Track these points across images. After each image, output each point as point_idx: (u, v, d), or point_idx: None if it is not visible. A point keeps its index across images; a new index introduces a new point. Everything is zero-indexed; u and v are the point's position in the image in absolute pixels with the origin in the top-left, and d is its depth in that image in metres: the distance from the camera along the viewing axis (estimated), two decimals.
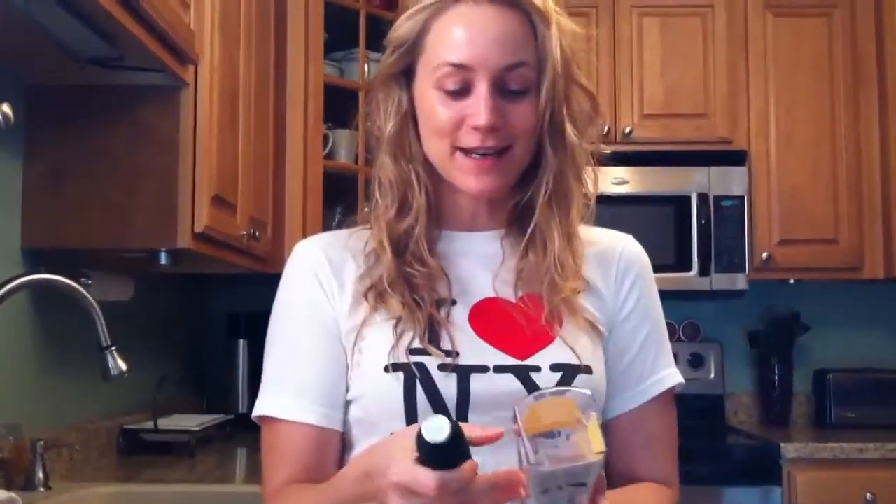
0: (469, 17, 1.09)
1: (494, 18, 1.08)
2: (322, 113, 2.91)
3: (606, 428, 1.14)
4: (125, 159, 1.96)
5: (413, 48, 1.12)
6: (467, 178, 1.10)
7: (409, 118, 1.15)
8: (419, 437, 0.85)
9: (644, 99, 3.28)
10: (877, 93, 3.26)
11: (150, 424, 2.53)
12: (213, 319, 3.31)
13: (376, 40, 3.03)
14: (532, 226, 1.14)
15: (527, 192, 1.15)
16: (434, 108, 1.10)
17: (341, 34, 3.01)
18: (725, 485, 2.84)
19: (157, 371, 2.70)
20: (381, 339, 1.09)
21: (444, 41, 1.09)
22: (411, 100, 1.14)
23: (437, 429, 0.84)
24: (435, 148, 1.12)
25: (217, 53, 2.09)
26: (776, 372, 3.41)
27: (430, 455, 0.85)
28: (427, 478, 0.84)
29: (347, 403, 1.13)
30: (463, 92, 1.09)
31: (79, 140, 1.96)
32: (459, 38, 1.08)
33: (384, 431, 1.02)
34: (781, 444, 2.86)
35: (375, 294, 1.12)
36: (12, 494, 1.51)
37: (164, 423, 2.58)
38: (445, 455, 0.85)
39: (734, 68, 3.28)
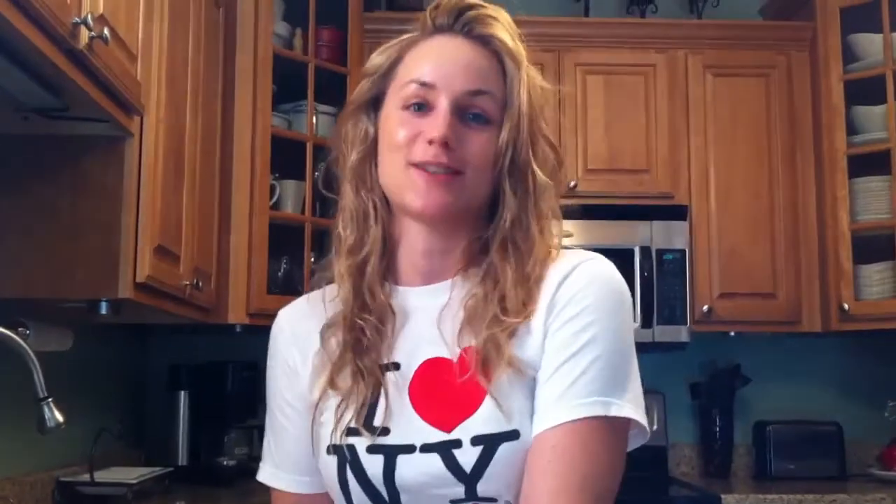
0: (442, 46, 1.14)
1: (465, 49, 1.13)
2: (269, 164, 2.92)
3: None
4: (67, 210, 1.94)
5: (385, 75, 1.16)
6: (417, 194, 1.08)
7: (373, 147, 1.16)
8: None
9: (588, 154, 3.34)
10: (812, 152, 3.35)
11: (86, 477, 2.48)
12: (153, 371, 3.27)
13: (325, 93, 3.07)
14: (485, 265, 1.11)
15: (482, 236, 1.13)
16: (394, 126, 1.12)
17: (290, 86, 3.04)
18: None
19: (95, 423, 2.65)
20: (329, 419, 1.11)
21: (414, 64, 1.13)
22: (377, 129, 1.16)
23: None
24: (389, 166, 1.12)
25: (163, 104, 2.10)
26: (717, 423, 3.45)
27: None
28: None
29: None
30: (425, 111, 1.11)
31: (20, 191, 1.94)
32: (428, 61, 1.12)
33: None
34: (722, 496, 2.89)
35: (329, 374, 1.13)
36: None
37: (102, 475, 2.52)
38: None
39: (675, 126, 3.35)
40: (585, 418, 1.01)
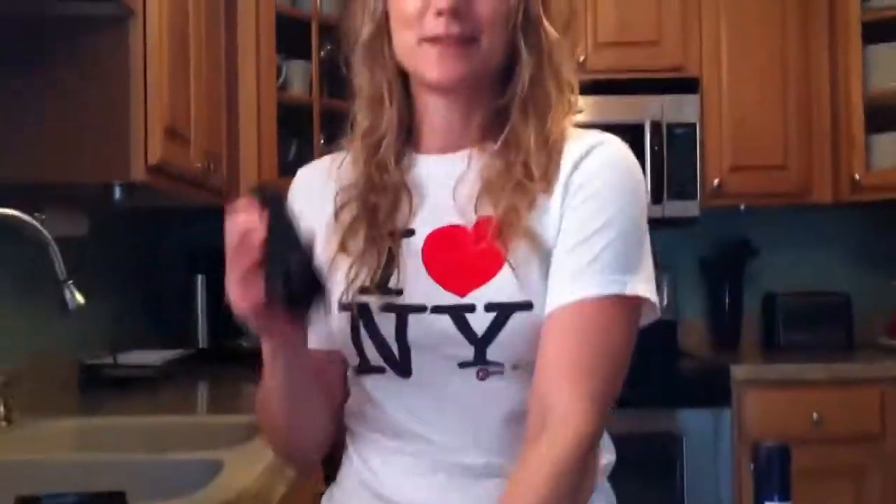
0: None
1: None
2: (274, 44, 2.88)
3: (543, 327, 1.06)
4: (75, 92, 1.93)
5: None
6: (431, 66, 1.07)
7: (384, 23, 1.13)
8: None
9: (598, 27, 3.28)
10: (826, 20, 3.29)
11: (109, 360, 2.53)
12: (170, 255, 3.30)
13: None
14: (506, 130, 1.10)
15: (503, 100, 1.11)
16: (403, 0, 1.09)
17: None
18: (678, 407, 2.92)
19: (115, 307, 2.70)
20: (341, 279, 1.12)
21: None
22: (386, 3, 1.12)
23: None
24: (402, 42, 1.10)
25: None
26: (727, 297, 3.48)
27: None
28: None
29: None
30: None
31: (29, 74, 1.93)
32: None
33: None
34: (731, 366, 2.94)
35: (341, 236, 1.13)
36: None
37: (124, 358, 2.58)
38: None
39: None
40: (600, 296, 1.04)
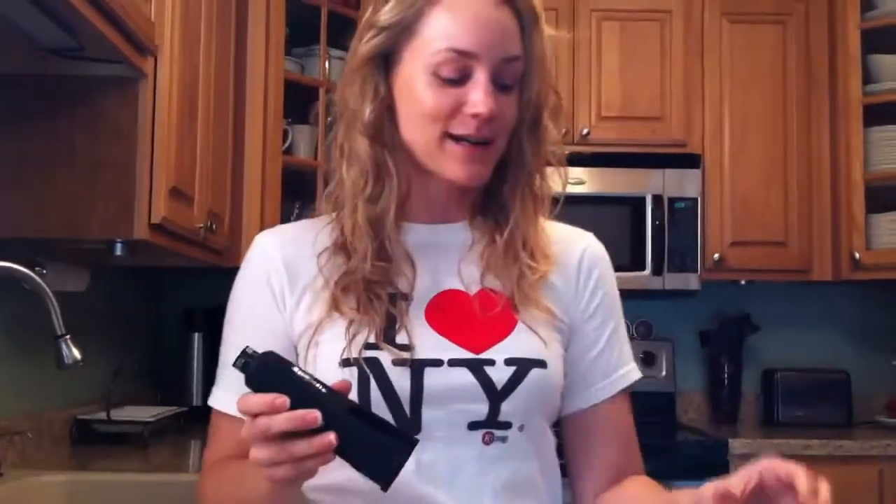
0: (469, 6, 1.09)
1: (492, 10, 1.09)
2: (282, 108, 2.92)
3: (573, 421, 1.22)
4: (84, 150, 1.95)
5: (402, 32, 1.11)
6: (457, 165, 1.10)
7: (387, 104, 1.14)
8: None
9: (602, 101, 3.33)
10: (828, 100, 3.33)
11: (103, 415, 2.53)
12: (168, 313, 3.31)
13: (338, 37, 3.06)
14: (509, 219, 1.16)
15: (491, 184, 1.17)
16: (426, 94, 1.09)
17: (303, 30, 3.03)
18: (676, 479, 2.86)
19: (111, 363, 2.70)
20: (337, 336, 1.10)
21: (445, 27, 1.08)
22: (389, 86, 1.13)
23: (249, 351, 0.93)
24: (421, 134, 1.11)
25: (177, 45, 2.10)
26: (726, 371, 3.47)
27: (246, 379, 0.93)
28: (240, 401, 0.93)
29: None
30: (460, 80, 1.09)
31: (37, 130, 1.96)
32: (463, 26, 1.08)
33: None
34: (730, 440, 2.92)
35: (332, 298, 1.13)
36: None
37: (118, 414, 2.58)
38: (262, 378, 0.93)
39: (690, 73, 3.34)
40: (634, 381, 1.24)
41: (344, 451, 0.91)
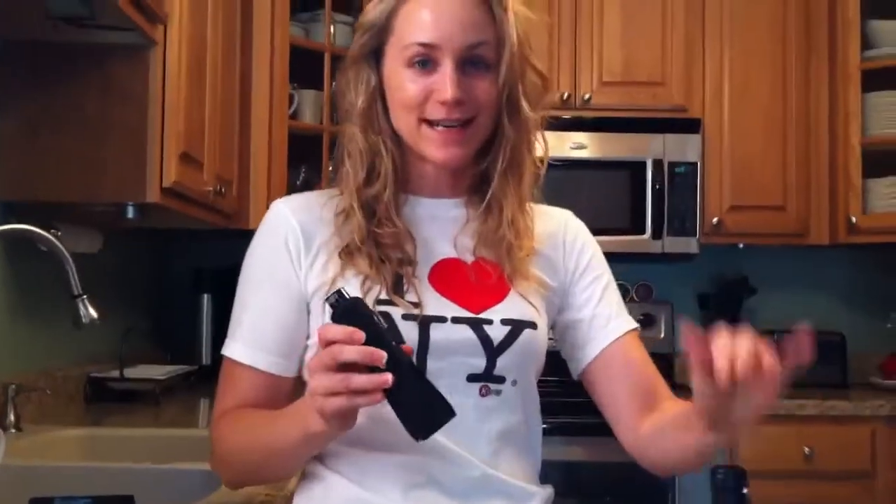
0: (434, 1, 1.20)
1: (456, 2, 1.19)
2: (287, 73, 2.96)
3: (591, 373, 1.31)
4: (96, 116, 2.01)
5: (382, 30, 1.23)
6: (434, 148, 1.21)
7: (378, 94, 1.25)
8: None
9: (603, 66, 3.36)
10: (827, 64, 3.36)
11: (116, 373, 2.60)
12: (178, 274, 3.37)
13: (342, 2, 3.10)
14: (489, 194, 1.26)
15: (485, 163, 1.26)
16: (403, 84, 1.21)
17: None
18: None
19: (123, 323, 2.77)
20: (351, 291, 1.16)
21: (411, 23, 1.20)
22: (380, 78, 1.25)
23: (344, 293, 1.03)
24: (403, 121, 1.22)
25: (186, 13, 2.14)
26: None
27: (333, 314, 1.02)
28: (322, 328, 1.01)
29: (308, 348, 1.24)
30: (430, 69, 1.19)
31: (51, 96, 2.01)
32: (426, 20, 1.19)
33: None
34: None
35: (346, 253, 1.22)
36: None
37: (130, 372, 2.65)
38: (346, 317, 1.01)
39: (691, 38, 3.36)
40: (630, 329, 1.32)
41: (394, 397, 1.00)
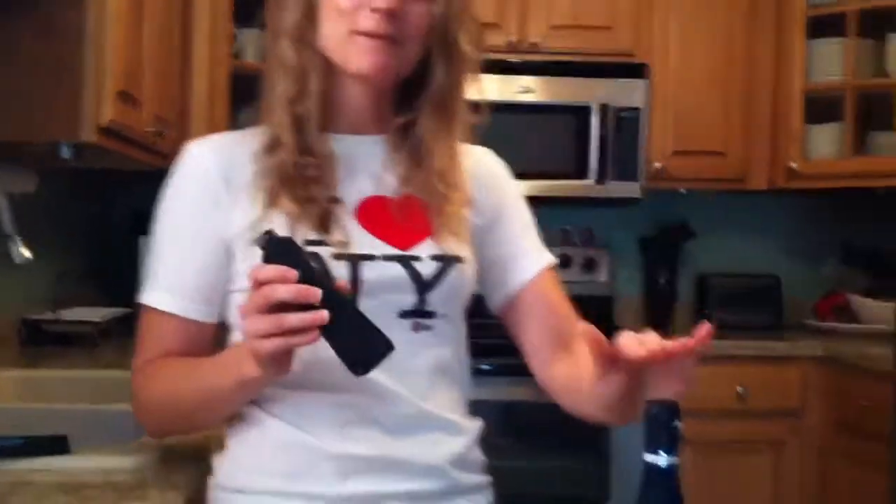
0: None
1: None
2: (230, 12, 2.90)
3: (509, 308, 1.32)
4: (30, 52, 1.94)
5: None
6: (361, 56, 1.17)
7: (313, 11, 1.19)
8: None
9: (553, 10, 3.34)
10: (773, 14, 3.38)
11: (52, 315, 2.56)
12: (118, 216, 3.32)
13: None
14: (419, 138, 1.24)
15: (410, 104, 1.24)
16: None
17: None
18: None
19: (60, 265, 2.72)
20: (278, 232, 1.15)
21: None
22: None
23: (273, 233, 1.01)
24: (332, 30, 1.18)
25: None
26: (663, 276, 3.59)
27: (264, 255, 1.00)
28: (254, 269, 0.99)
29: (231, 294, 1.21)
30: None
31: None
32: None
33: None
34: None
35: (270, 193, 1.18)
36: None
37: (67, 315, 2.61)
38: (278, 258, 0.99)
39: None
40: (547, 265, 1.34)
41: (331, 334, 0.99)
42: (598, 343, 1.04)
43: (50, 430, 1.29)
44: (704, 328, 1.04)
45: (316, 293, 0.97)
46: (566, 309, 1.33)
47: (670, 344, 1.01)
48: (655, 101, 3.35)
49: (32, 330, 2.53)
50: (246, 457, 1.21)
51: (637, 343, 1.01)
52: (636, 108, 3.30)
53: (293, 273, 0.97)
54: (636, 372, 1.06)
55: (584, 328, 1.06)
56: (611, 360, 1.03)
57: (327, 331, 0.98)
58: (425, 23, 1.19)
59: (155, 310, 1.21)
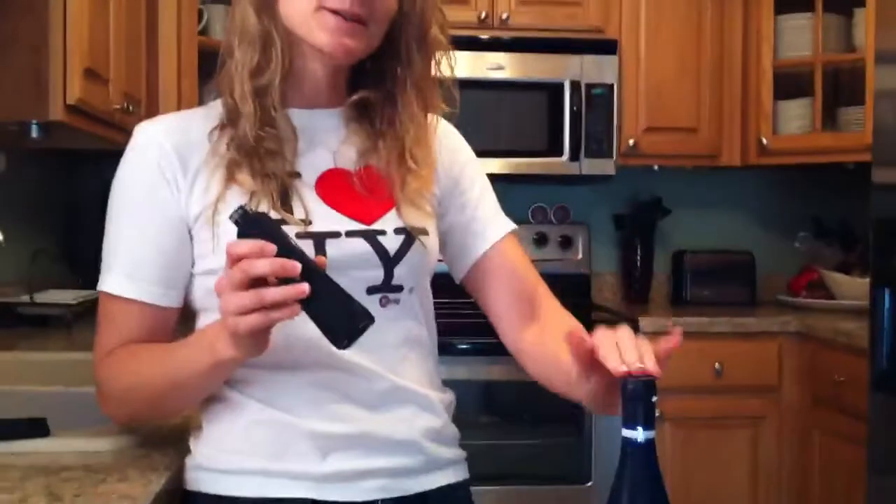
0: None
1: None
2: None
3: (473, 277, 1.32)
4: None
5: None
6: (327, 35, 1.15)
7: None
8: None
9: None
10: None
11: (26, 298, 2.53)
12: (90, 196, 3.27)
13: None
14: (378, 111, 1.24)
15: (364, 75, 1.24)
16: None
17: None
18: None
19: (31, 246, 2.69)
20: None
21: None
22: None
23: (247, 209, 0.99)
24: (296, 8, 1.16)
25: None
26: (638, 253, 3.61)
27: (239, 231, 0.98)
28: (230, 244, 0.97)
29: (195, 277, 1.19)
30: None
31: None
32: None
33: None
34: (640, 319, 3.06)
35: (229, 167, 1.16)
36: None
37: (40, 297, 2.58)
38: (253, 233, 0.97)
39: None
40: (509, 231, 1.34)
41: (312, 307, 0.98)
42: (581, 346, 1.02)
43: (27, 413, 1.28)
44: (676, 334, 1.04)
45: (296, 265, 0.95)
46: (531, 273, 1.33)
47: (649, 363, 0.97)
48: (627, 78, 3.35)
49: (6, 313, 2.50)
50: (225, 439, 1.19)
51: (616, 355, 0.97)
52: (608, 85, 3.30)
53: (271, 247, 0.96)
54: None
55: (571, 330, 1.05)
56: (591, 364, 1.02)
57: (307, 304, 0.97)
58: (391, 10, 1.19)
59: (114, 296, 1.18)
